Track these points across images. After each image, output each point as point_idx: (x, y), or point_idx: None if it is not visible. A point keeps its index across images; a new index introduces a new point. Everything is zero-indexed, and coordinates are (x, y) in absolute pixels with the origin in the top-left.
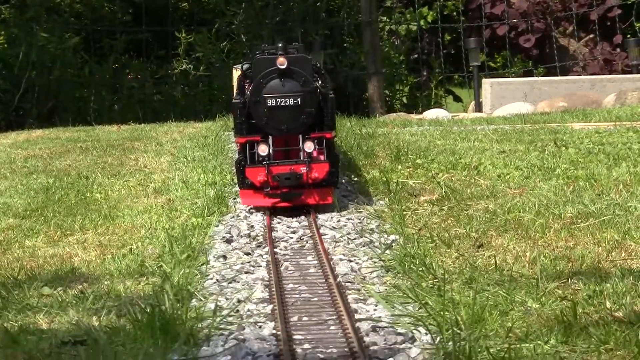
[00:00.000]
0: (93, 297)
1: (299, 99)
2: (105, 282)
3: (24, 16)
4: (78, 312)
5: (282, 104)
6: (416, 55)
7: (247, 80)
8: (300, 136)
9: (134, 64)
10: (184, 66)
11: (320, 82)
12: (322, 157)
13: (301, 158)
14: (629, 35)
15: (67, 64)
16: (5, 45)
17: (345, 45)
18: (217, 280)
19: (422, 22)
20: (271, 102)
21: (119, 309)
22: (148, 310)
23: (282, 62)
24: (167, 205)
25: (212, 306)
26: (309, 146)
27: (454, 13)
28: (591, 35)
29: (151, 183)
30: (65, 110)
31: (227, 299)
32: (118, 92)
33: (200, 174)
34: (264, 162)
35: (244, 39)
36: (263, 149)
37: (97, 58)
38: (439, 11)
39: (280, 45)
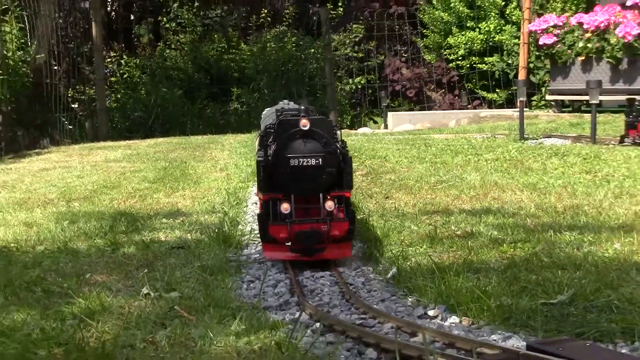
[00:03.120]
0: (188, 224)
1: (320, 160)
2: (194, 216)
3: (153, 80)
4: (181, 232)
5: (305, 163)
6: (354, 100)
7: (270, 139)
8: (320, 195)
9: (209, 105)
10: (236, 105)
11: (339, 143)
12: (341, 216)
13: (321, 216)
14: (462, 90)
15: (175, 105)
16: (144, 95)
17: (317, 95)
18: (252, 215)
19: (358, 84)
20: (294, 162)
21: (202, 230)
22: (216, 230)
23: (305, 123)
24: (226, 177)
25: (249, 229)
26: (330, 205)
27: (373, 80)
28: (443, 90)
29: (218, 165)
30: (174, 129)
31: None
32: (202, 118)
33: (244, 160)
34: (287, 220)
35: (266, 92)
36: (286, 207)
37: (191, 102)
38: (366, 79)
39: (302, 107)
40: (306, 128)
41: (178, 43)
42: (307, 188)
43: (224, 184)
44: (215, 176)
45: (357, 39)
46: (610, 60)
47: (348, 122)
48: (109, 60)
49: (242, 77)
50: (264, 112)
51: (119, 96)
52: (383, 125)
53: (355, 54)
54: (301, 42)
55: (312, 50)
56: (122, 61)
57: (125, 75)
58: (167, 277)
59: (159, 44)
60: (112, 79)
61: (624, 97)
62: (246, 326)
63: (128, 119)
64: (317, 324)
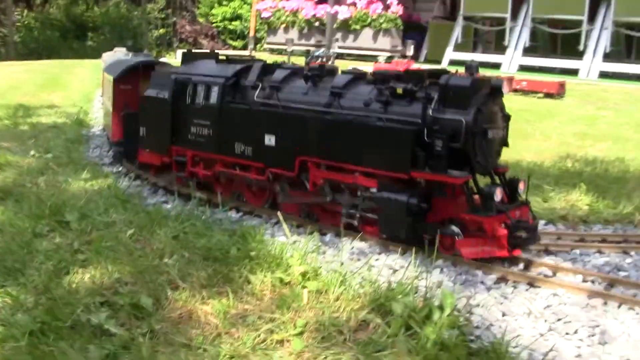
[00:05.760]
0: (59, 112)
1: (504, 130)
2: (63, 108)
3: (43, 26)
4: (55, 117)
5: (496, 136)
6: (158, 42)
7: (430, 99)
8: (498, 175)
9: (75, 42)
10: (90, 43)
11: None
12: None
13: (516, 201)
14: (219, 39)
15: (55, 41)
16: (37, 34)
17: (137, 39)
18: (98, 109)
19: (161, 33)
20: (491, 134)
21: (67, 116)
22: (75, 117)
23: (501, 81)
24: (82, 84)
25: (95, 116)
26: (522, 186)
27: (170, 32)
28: (209, 39)
29: (78, 77)
30: (54, 55)
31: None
32: (71, 50)
33: (94, 75)
34: (504, 209)
35: (108, 36)
36: (498, 194)
37: (64, 40)
38: (166, 30)
39: (472, 63)
40: (505, 90)
41: (57, 5)
42: (492, 165)
43: (82, 89)
44: (77, 84)
45: (161, 7)
46: (298, 27)
47: (155, 55)
48: (16, 13)
49: (94, 27)
50: (106, 57)
51: (22, 34)
52: (174, 57)
53: (160, 16)
54: (130, 8)
55: (136, 13)
56: (24, 14)
57: (26, 23)
58: (45, 145)
59: (47, 5)
60: (18, 24)
61: (305, 48)
62: (91, 175)
63: (28, 48)
64: (132, 174)
